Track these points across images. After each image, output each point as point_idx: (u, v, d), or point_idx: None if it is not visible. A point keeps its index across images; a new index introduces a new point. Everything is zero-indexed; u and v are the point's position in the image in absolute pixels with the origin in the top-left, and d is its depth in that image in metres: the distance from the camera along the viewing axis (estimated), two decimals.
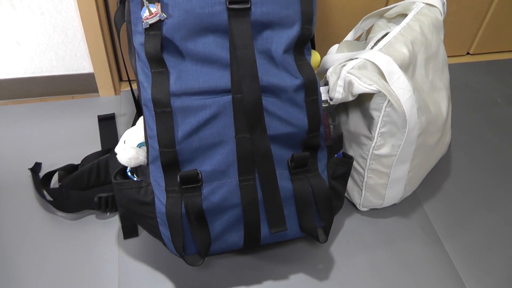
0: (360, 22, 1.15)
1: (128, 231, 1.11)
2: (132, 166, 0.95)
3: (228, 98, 0.89)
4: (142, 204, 0.94)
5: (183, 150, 0.89)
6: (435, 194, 1.21)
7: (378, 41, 1.07)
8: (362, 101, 0.99)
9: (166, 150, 0.89)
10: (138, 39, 0.88)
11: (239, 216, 0.94)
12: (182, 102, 0.88)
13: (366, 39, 1.21)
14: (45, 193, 1.17)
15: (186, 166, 0.91)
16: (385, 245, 1.11)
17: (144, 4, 0.85)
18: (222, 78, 0.88)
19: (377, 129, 0.98)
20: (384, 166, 1.04)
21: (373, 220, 1.15)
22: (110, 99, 1.39)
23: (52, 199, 1.15)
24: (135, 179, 0.97)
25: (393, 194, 1.10)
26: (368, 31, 1.21)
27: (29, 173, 1.22)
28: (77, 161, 1.23)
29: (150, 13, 0.85)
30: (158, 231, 0.95)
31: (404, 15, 1.11)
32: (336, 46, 1.08)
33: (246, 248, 0.98)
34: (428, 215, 1.17)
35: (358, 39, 1.20)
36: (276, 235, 0.97)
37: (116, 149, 0.99)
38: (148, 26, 0.86)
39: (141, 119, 0.98)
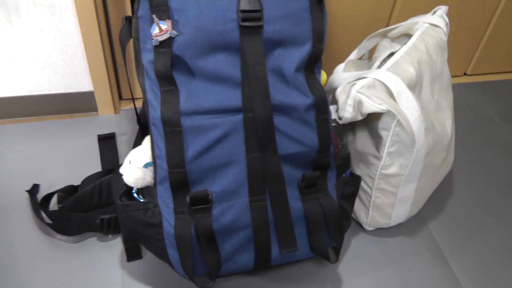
0: (364, 41, 1.14)
1: (132, 253, 1.06)
2: (138, 187, 0.92)
3: (239, 117, 0.86)
4: (149, 225, 0.90)
5: (193, 171, 0.86)
6: (439, 213, 1.19)
7: (384, 60, 1.06)
8: (370, 121, 0.97)
9: (176, 171, 0.85)
10: (147, 57, 0.85)
11: (249, 237, 0.90)
12: (193, 121, 0.85)
13: (368, 58, 1.20)
14: (44, 215, 1.12)
15: (196, 186, 0.87)
16: (392, 264, 1.09)
17: (154, 21, 0.82)
18: (233, 97, 0.86)
19: (386, 148, 0.96)
20: (392, 186, 1.01)
21: (380, 240, 1.13)
22: (110, 118, 1.35)
23: (51, 222, 1.10)
24: (141, 200, 0.93)
25: (399, 213, 1.07)
26: (371, 51, 1.20)
27: (27, 195, 1.17)
28: (76, 182, 1.18)
29: (160, 30, 0.82)
30: (166, 253, 0.90)
31: (407, 35, 1.11)
32: (342, 65, 1.07)
33: (256, 269, 0.94)
34: (433, 234, 1.14)
35: (360, 58, 1.19)
36: (286, 255, 0.93)
37: (122, 170, 0.95)
38: (158, 43, 0.83)
39: (147, 139, 0.94)
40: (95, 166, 1.23)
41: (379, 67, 1.03)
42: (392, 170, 0.99)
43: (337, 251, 0.96)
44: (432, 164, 1.03)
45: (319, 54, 0.90)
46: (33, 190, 1.16)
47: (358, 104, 0.92)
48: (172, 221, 0.88)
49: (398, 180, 1.00)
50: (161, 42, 0.83)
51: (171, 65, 0.83)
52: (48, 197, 1.14)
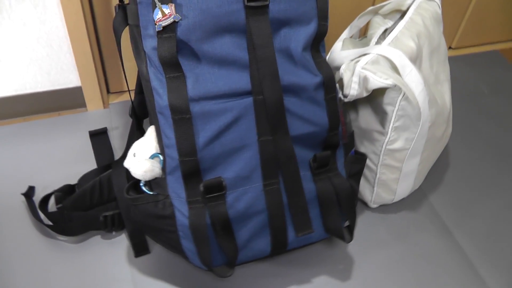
0: (356, 19, 1.11)
1: (139, 249, 1.01)
2: (147, 179, 0.87)
3: (249, 100, 0.82)
4: (161, 218, 0.85)
5: (204, 158, 0.82)
6: (438, 186, 1.19)
7: (380, 37, 1.03)
8: (374, 97, 0.95)
9: (187, 159, 0.81)
10: (150, 43, 0.80)
11: (264, 222, 0.87)
12: (202, 107, 0.80)
13: (359, 37, 1.17)
14: (43, 217, 1.05)
15: (208, 174, 0.83)
16: (398, 240, 1.07)
17: (157, 5, 0.77)
18: (241, 80, 0.81)
19: (391, 123, 0.94)
20: (397, 161, 1.00)
21: (384, 216, 1.11)
22: (99, 113, 1.28)
23: (51, 224, 1.04)
24: (150, 193, 0.89)
25: (404, 188, 1.06)
26: (362, 29, 1.17)
27: (22, 198, 1.10)
28: (71, 181, 1.12)
29: (163, 15, 0.77)
30: (180, 245, 0.86)
31: (399, 11, 1.09)
32: (339, 44, 1.04)
33: (272, 255, 0.91)
34: (435, 207, 1.14)
35: (351, 37, 1.16)
36: (302, 238, 0.90)
37: (127, 164, 0.90)
38: (161, 28, 0.77)
39: (151, 130, 0.89)
40: (89, 163, 1.17)
41: (377, 43, 1.00)
42: (397, 145, 0.97)
43: (351, 230, 0.94)
44: (434, 136, 1.02)
45: (324, 32, 0.86)
46: (29, 193, 1.09)
47: (364, 80, 0.90)
48: (186, 212, 0.83)
49: (403, 155, 0.99)
50: (165, 27, 0.77)
51: (176, 51, 0.78)
52: (46, 198, 1.07)
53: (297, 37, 0.83)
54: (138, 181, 0.93)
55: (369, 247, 1.06)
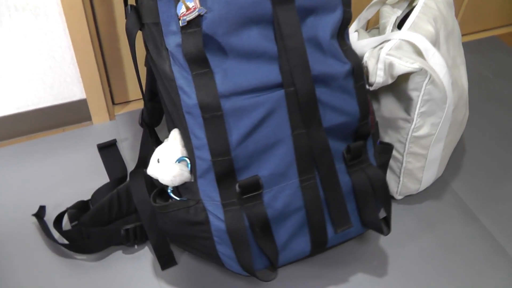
0: (364, 11, 1.08)
1: (165, 261, 0.94)
2: (176, 184, 0.80)
3: (280, 93, 0.77)
4: (193, 224, 0.79)
5: (238, 157, 0.76)
6: (458, 172, 1.15)
7: (393, 26, 1.00)
8: (397, 84, 0.91)
9: (220, 159, 0.75)
10: (173, 40, 0.74)
11: (303, 220, 0.81)
12: (233, 103, 0.75)
13: (366, 29, 1.14)
14: (57, 237, 0.98)
15: (242, 174, 0.77)
16: (427, 230, 1.03)
17: None
18: (271, 72, 0.76)
19: (417, 109, 0.90)
20: (423, 148, 0.96)
21: (410, 207, 1.07)
22: (106, 125, 1.21)
23: (68, 242, 0.96)
24: (178, 199, 0.82)
25: (429, 176, 1.02)
26: (369, 21, 1.14)
27: (33, 220, 1.02)
28: (84, 197, 1.04)
29: (187, 9, 0.71)
30: (215, 252, 0.80)
31: (405, 0, 1.06)
32: (354, 34, 1.00)
33: (312, 255, 0.85)
34: (459, 194, 1.10)
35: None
36: (340, 235, 0.85)
37: (151, 171, 0.83)
38: (185, 23, 0.72)
39: (174, 133, 0.83)
40: (101, 178, 1.09)
41: (392, 31, 0.97)
42: (423, 131, 0.93)
43: (388, 222, 0.89)
44: (456, 120, 0.98)
45: (349, 19, 0.82)
46: (40, 213, 1.01)
47: (389, 66, 0.86)
48: (221, 215, 0.77)
49: (429, 141, 0.95)
50: (189, 22, 0.72)
51: (203, 45, 0.73)
52: (60, 217, 0.99)
53: (324, 25, 0.79)
54: (164, 188, 0.87)
55: (399, 240, 1.01)
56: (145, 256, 0.96)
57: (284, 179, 0.79)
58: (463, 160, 1.18)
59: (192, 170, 0.79)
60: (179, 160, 0.81)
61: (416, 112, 0.90)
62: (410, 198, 1.08)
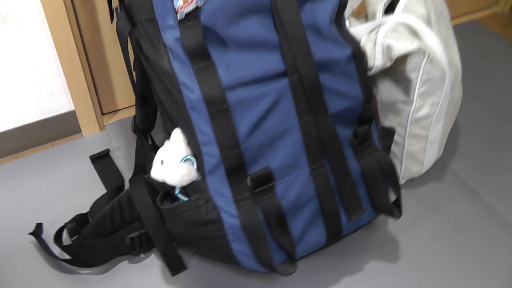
0: (349, 1, 1.06)
1: (175, 266, 0.89)
2: (184, 184, 0.76)
3: (284, 81, 0.73)
4: (205, 224, 0.75)
5: (248, 149, 0.72)
6: (456, 153, 1.14)
7: (384, 12, 0.99)
8: (394, 67, 0.89)
9: (230, 153, 0.71)
10: (171, 35, 0.70)
11: (316, 210, 0.78)
12: (238, 95, 0.71)
13: (353, 16, 1.13)
14: (56, 252, 0.92)
15: (252, 167, 0.74)
16: (433, 212, 1.01)
17: None
18: (274, 61, 0.73)
19: (416, 90, 0.89)
20: (423, 129, 0.94)
21: (413, 191, 1.05)
22: (96, 136, 1.15)
23: (70, 258, 0.90)
24: (186, 199, 0.78)
25: (430, 157, 1.00)
26: (354, 12, 1.12)
27: (31, 238, 0.95)
28: (80, 210, 0.98)
29: (184, 1, 0.68)
30: (230, 251, 0.75)
31: None
32: (345, 22, 0.98)
33: (327, 245, 0.82)
34: (458, 174, 1.09)
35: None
36: (354, 222, 0.82)
37: (156, 173, 0.79)
38: (183, 16, 0.68)
39: (175, 133, 0.79)
40: (97, 189, 1.03)
41: (383, 16, 0.96)
42: (423, 111, 0.91)
43: (399, 204, 0.86)
44: (453, 99, 0.97)
45: (345, 4, 0.79)
46: (37, 231, 0.95)
47: (387, 49, 0.84)
48: (234, 212, 0.73)
49: (429, 121, 0.93)
50: (187, 15, 0.68)
51: (203, 38, 0.69)
52: (59, 232, 0.93)
53: (322, 11, 0.76)
54: (169, 191, 0.83)
55: (407, 224, 0.99)
56: (152, 264, 0.91)
57: (295, 169, 0.76)
58: (458, 140, 1.17)
59: (200, 168, 0.75)
60: (184, 160, 0.77)
61: (416, 93, 0.89)
62: (412, 182, 1.07)
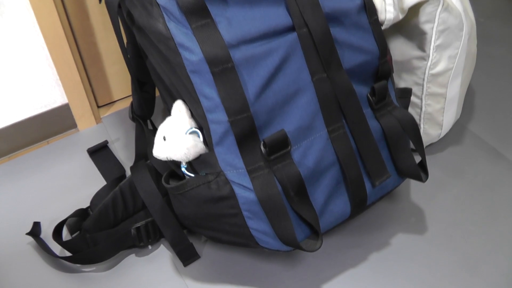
0: None
1: (187, 256, 0.79)
2: (191, 158, 0.66)
3: (293, 36, 0.64)
4: (218, 201, 0.65)
5: (258, 112, 0.63)
6: (473, 114, 1.04)
7: None
8: (406, 21, 0.80)
9: (239, 117, 0.62)
10: None
11: (338, 177, 0.68)
12: (243, 52, 0.62)
13: None
14: (56, 251, 0.82)
15: (264, 132, 0.64)
16: (456, 177, 0.92)
17: None
18: (279, 15, 0.64)
19: (432, 43, 0.79)
20: (441, 86, 0.85)
21: (433, 157, 0.96)
22: (93, 130, 1.05)
23: (72, 254, 0.80)
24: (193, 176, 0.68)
25: (449, 118, 0.91)
26: None
27: (28, 239, 0.85)
28: (80, 206, 0.88)
29: None
30: (246, 229, 0.65)
31: None
32: None
33: (352, 216, 0.72)
34: (479, 135, 0.99)
35: None
36: (378, 188, 0.72)
37: (158, 151, 0.69)
38: None
39: (177, 105, 0.69)
40: (97, 183, 0.94)
41: None
42: (440, 66, 0.82)
43: (424, 166, 0.77)
44: (470, 52, 0.88)
45: None
46: (35, 231, 0.85)
47: (399, 0, 0.75)
48: (248, 184, 0.63)
49: (447, 77, 0.84)
50: None
51: None
52: (59, 228, 0.84)
53: None
54: (174, 170, 0.73)
55: (430, 192, 0.89)
56: (162, 255, 0.81)
57: (312, 132, 0.66)
58: (474, 101, 1.08)
59: (206, 140, 0.66)
60: (189, 132, 0.68)
61: (432, 46, 0.80)
62: (431, 148, 0.97)
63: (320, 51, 0.65)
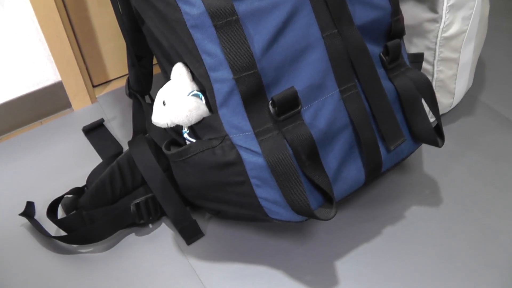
0: None
1: (190, 233, 0.74)
2: (193, 121, 0.60)
3: None
4: (224, 167, 0.59)
5: (266, 69, 0.57)
6: (484, 85, 0.99)
7: None
8: None
9: (245, 74, 0.56)
10: None
11: (351, 140, 0.63)
12: (249, 4, 0.56)
13: None
14: (51, 232, 0.76)
15: (272, 91, 0.58)
16: (470, 147, 0.87)
17: None
18: None
19: (445, 3, 0.74)
20: (454, 50, 0.79)
21: (446, 128, 0.90)
22: (88, 109, 0.99)
23: (67, 234, 0.75)
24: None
25: (461, 86, 0.86)
26: None
27: (22, 220, 0.79)
28: (76, 185, 0.83)
29: None
30: (254, 198, 0.60)
31: None
32: None
33: (367, 183, 0.66)
34: (491, 106, 0.94)
35: None
36: (393, 154, 0.67)
37: (158, 117, 0.63)
38: None
39: (177, 68, 0.63)
40: (93, 163, 0.87)
41: None
42: (453, 28, 0.77)
43: (441, 130, 0.71)
44: (484, 16, 0.83)
45: None
46: (28, 211, 0.79)
47: None
48: (256, 148, 0.58)
49: (460, 41, 0.79)
50: None
51: None
52: (53, 207, 0.78)
53: None
54: (175, 139, 0.67)
55: (444, 163, 0.84)
56: (164, 233, 0.76)
57: (323, 92, 0.61)
58: (484, 72, 1.02)
59: (210, 102, 0.60)
60: (191, 94, 0.62)
61: (444, 7, 0.74)
62: (443, 119, 0.92)
63: (330, 5, 0.60)
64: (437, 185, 0.81)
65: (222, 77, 0.57)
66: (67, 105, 0.98)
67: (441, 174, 0.82)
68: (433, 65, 0.81)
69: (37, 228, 0.75)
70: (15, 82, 0.91)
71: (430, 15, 0.76)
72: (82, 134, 0.94)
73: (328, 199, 0.62)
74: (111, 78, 1.05)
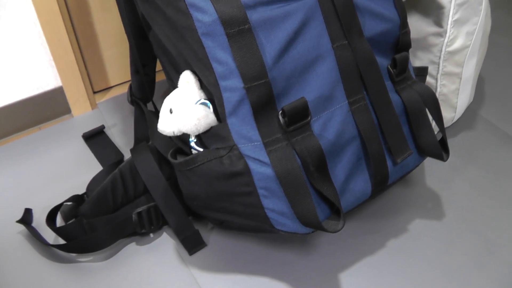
0: None
1: (192, 244, 0.72)
2: (201, 130, 0.59)
3: None
4: (231, 177, 0.58)
5: (277, 78, 0.56)
6: (484, 100, 1.00)
7: None
8: None
9: (256, 84, 0.55)
10: None
11: (359, 152, 0.62)
12: (261, 14, 0.56)
13: None
14: (50, 240, 0.74)
15: (282, 101, 0.58)
16: (471, 162, 0.87)
17: None
18: None
19: (450, 18, 0.74)
20: (457, 65, 0.80)
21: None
22: (88, 116, 0.98)
23: (66, 242, 0.72)
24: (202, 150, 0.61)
25: (463, 101, 0.86)
26: None
27: (19, 229, 0.77)
28: (75, 193, 0.81)
29: None
30: (261, 209, 0.59)
31: None
32: None
33: (373, 195, 0.66)
34: (490, 121, 0.95)
35: None
36: (399, 167, 0.66)
37: (164, 125, 0.62)
38: None
39: (185, 76, 0.62)
40: (93, 170, 0.86)
41: None
42: (457, 43, 0.77)
43: (445, 143, 0.71)
44: (486, 32, 0.83)
45: None
46: (26, 218, 0.77)
47: None
48: (265, 158, 0.57)
49: (463, 56, 0.79)
50: None
51: None
52: (53, 214, 0.76)
53: None
54: (181, 147, 0.66)
55: (446, 177, 0.84)
56: (165, 243, 0.74)
57: (332, 103, 0.60)
58: (484, 87, 1.03)
59: (219, 110, 0.59)
60: (199, 103, 0.61)
61: (449, 22, 0.75)
62: None
63: (341, 16, 0.59)
64: (439, 198, 0.80)
65: (233, 86, 0.56)
66: (66, 110, 0.96)
67: (443, 187, 0.82)
68: (436, 79, 0.81)
69: (34, 235, 0.73)
70: (14, 86, 0.89)
71: (435, 29, 0.76)
72: (81, 141, 0.92)
73: (335, 211, 0.61)
74: (112, 84, 1.03)
